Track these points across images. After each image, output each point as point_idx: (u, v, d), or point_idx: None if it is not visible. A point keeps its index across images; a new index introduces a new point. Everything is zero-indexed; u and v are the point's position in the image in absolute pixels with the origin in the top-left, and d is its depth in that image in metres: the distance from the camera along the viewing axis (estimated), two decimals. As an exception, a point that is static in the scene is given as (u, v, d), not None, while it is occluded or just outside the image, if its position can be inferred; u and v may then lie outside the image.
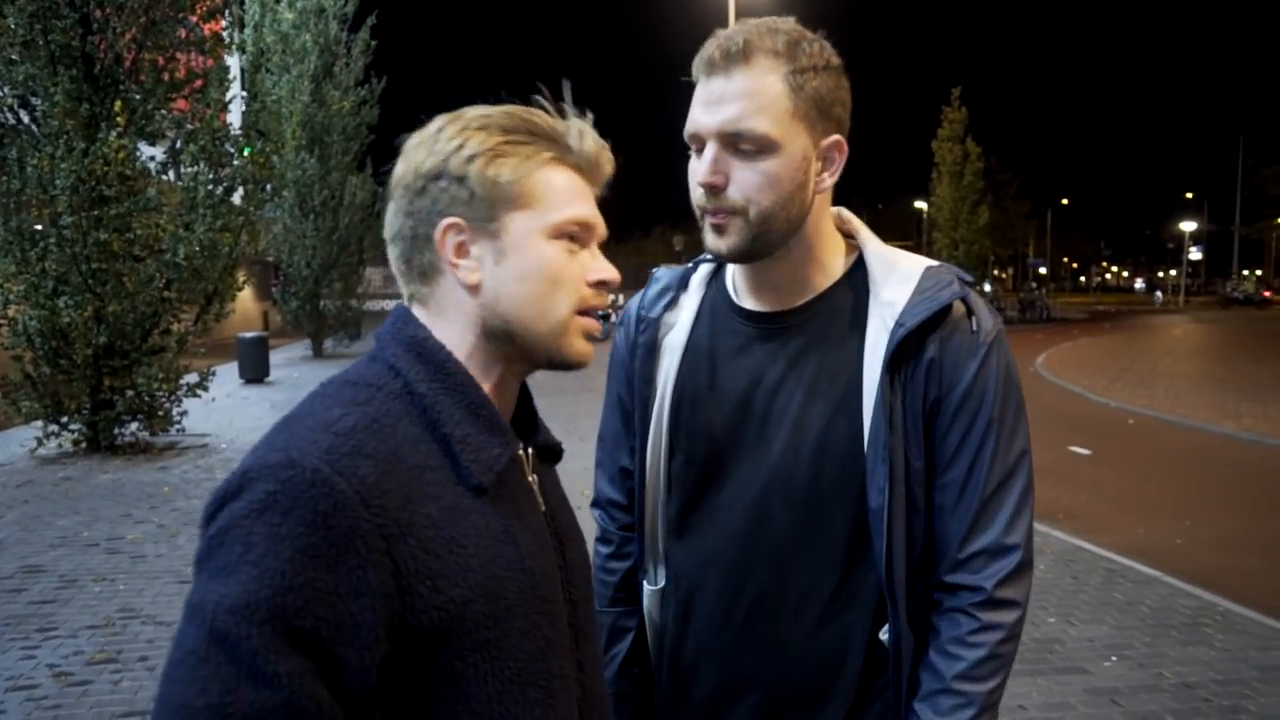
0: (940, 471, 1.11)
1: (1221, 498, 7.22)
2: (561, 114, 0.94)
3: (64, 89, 7.70)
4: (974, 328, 1.11)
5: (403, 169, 0.90)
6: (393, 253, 0.92)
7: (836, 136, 1.10)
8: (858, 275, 1.16)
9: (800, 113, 1.06)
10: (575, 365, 0.92)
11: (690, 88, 1.11)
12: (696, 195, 1.10)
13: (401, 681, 0.79)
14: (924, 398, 1.09)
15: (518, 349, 0.90)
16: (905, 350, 1.09)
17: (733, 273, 1.23)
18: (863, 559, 1.13)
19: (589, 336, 0.93)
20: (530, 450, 0.96)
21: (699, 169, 1.08)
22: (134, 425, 8.79)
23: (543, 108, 0.93)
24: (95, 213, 7.93)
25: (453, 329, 0.90)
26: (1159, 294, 64.01)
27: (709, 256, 1.22)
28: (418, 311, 0.92)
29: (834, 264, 1.18)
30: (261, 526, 0.73)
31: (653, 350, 1.26)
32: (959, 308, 1.11)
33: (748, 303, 1.20)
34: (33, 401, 8.25)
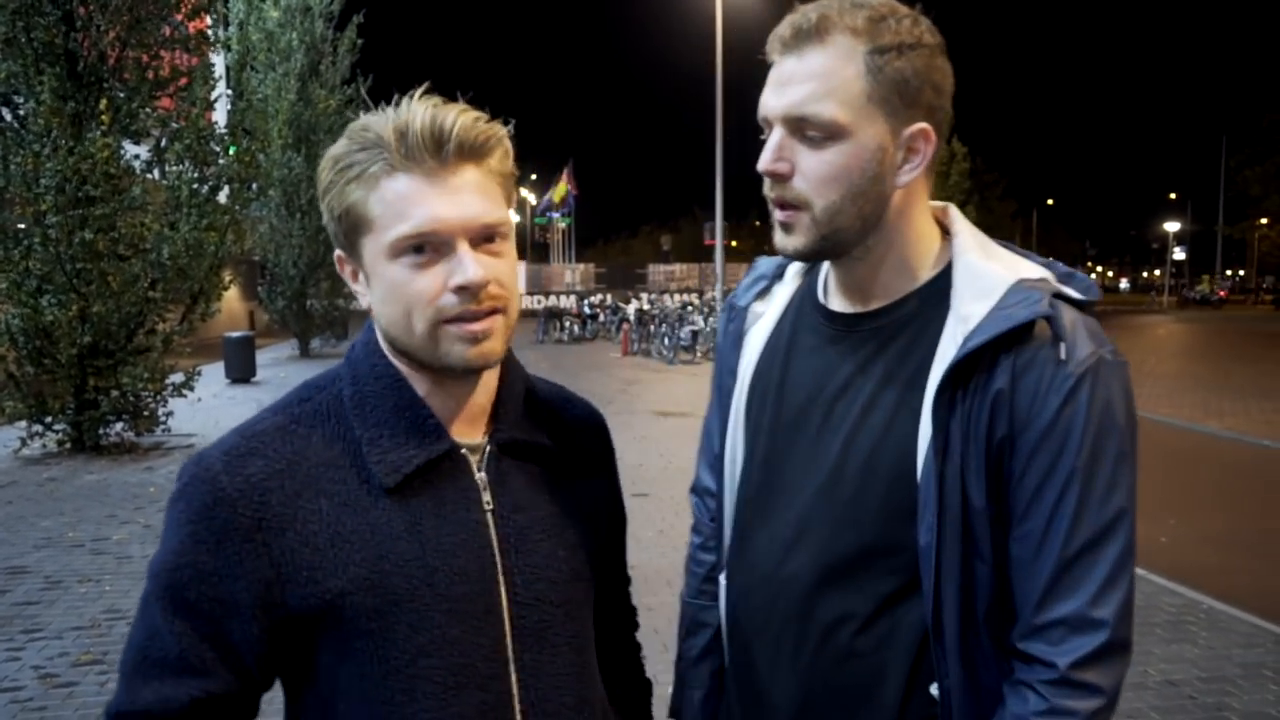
0: (1017, 520, 0.96)
1: (1205, 496, 7.29)
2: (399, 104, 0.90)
3: (50, 87, 7.63)
4: (1061, 355, 0.93)
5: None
6: None
7: (923, 124, 0.98)
8: (943, 282, 1.02)
9: (878, 97, 0.95)
10: (462, 370, 0.92)
11: (763, 67, 1.02)
12: (765, 184, 1.01)
13: (289, 653, 0.92)
14: (989, 431, 0.95)
15: (412, 358, 0.93)
16: (967, 374, 0.95)
17: (825, 268, 1.14)
18: (906, 597, 1.00)
19: (468, 339, 0.89)
20: (490, 447, 0.98)
21: (762, 155, 0.99)
22: (119, 425, 8.73)
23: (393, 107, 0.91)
24: (80, 212, 7.86)
25: (376, 299, 0.94)
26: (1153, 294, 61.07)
27: None
28: None
29: (921, 267, 1.05)
30: (174, 511, 0.90)
31: (738, 340, 1.21)
32: (1042, 329, 0.94)
33: (832, 301, 1.11)
34: (16, 401, 8.18)
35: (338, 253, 0.95)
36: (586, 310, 25.55)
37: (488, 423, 1.00)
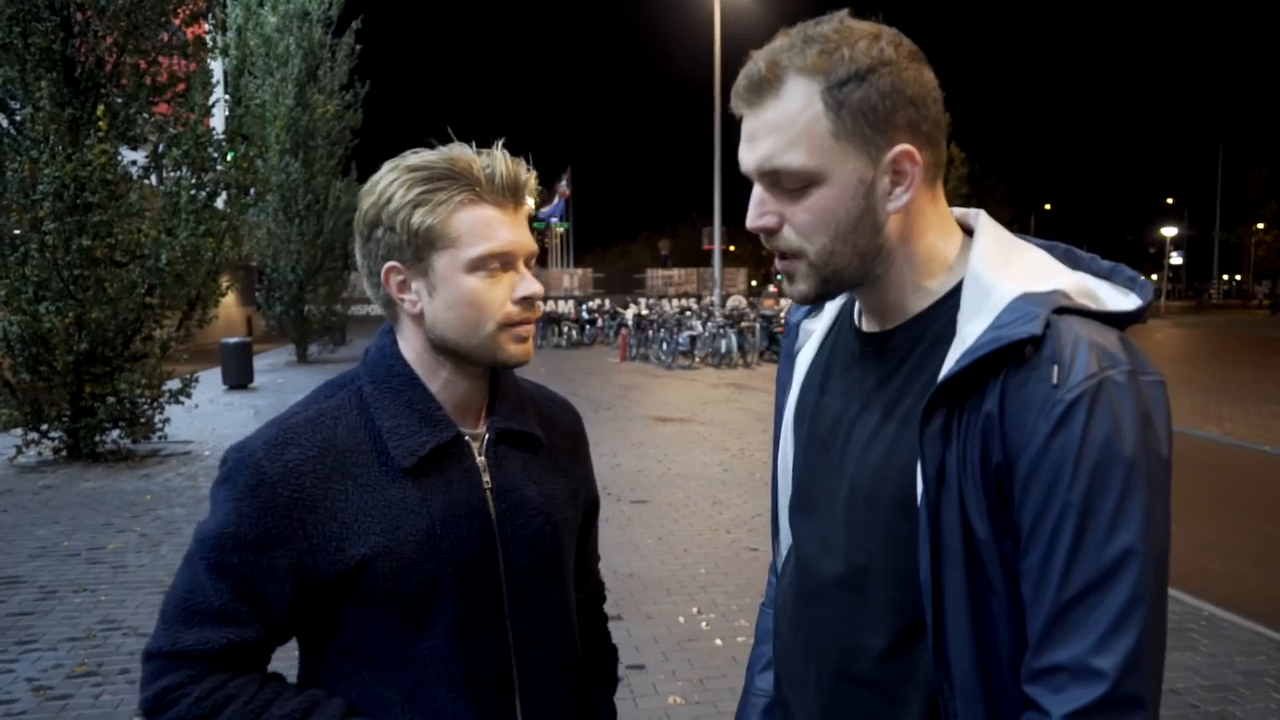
0: (1021, 555, 0.89)
1: (1204, 502, 7.27)
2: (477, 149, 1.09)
3: (47, 93, 7.61)
4: (1054, 379, 0.85)
5: (357, 216, 1.11)
6: (365, 285, 1.15)
7: (904, 145, 0.93)
8: (956, 298, 0.97)
9: (846, 132, 0.91)
10: (513, 364, 1.13)
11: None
12: (761, 236, 1.00)
13: (315, 610, 1.10)
14: (984, 457, 0.88)
15: (461, 356, 1.12)
16: (960, 397, 0.90)
17: None
18: (924, 633, 0.95)
19: (520, 339, 1.12)
20: (489, 435, 1.16)
21: (748, 212, 0.99)
22: (115, 433, 8.69)
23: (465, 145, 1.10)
24: (77, 218, 7.84)
25: (408, 343, 1.15)
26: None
27: None
28: (395, 328, 1.17)
29: (934, 283, 1.00)
30: (221, 491, 1.08)
31: (790, 357, 1.23)
32: (1031, 349, 0.87)
33: (863, 320, 1.09)
34: (12, 409, 8.14)
35: (392, 264, 1.09)
36: (585, 315, 25.52)
37: (485, 415, 1.19)
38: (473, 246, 1.06)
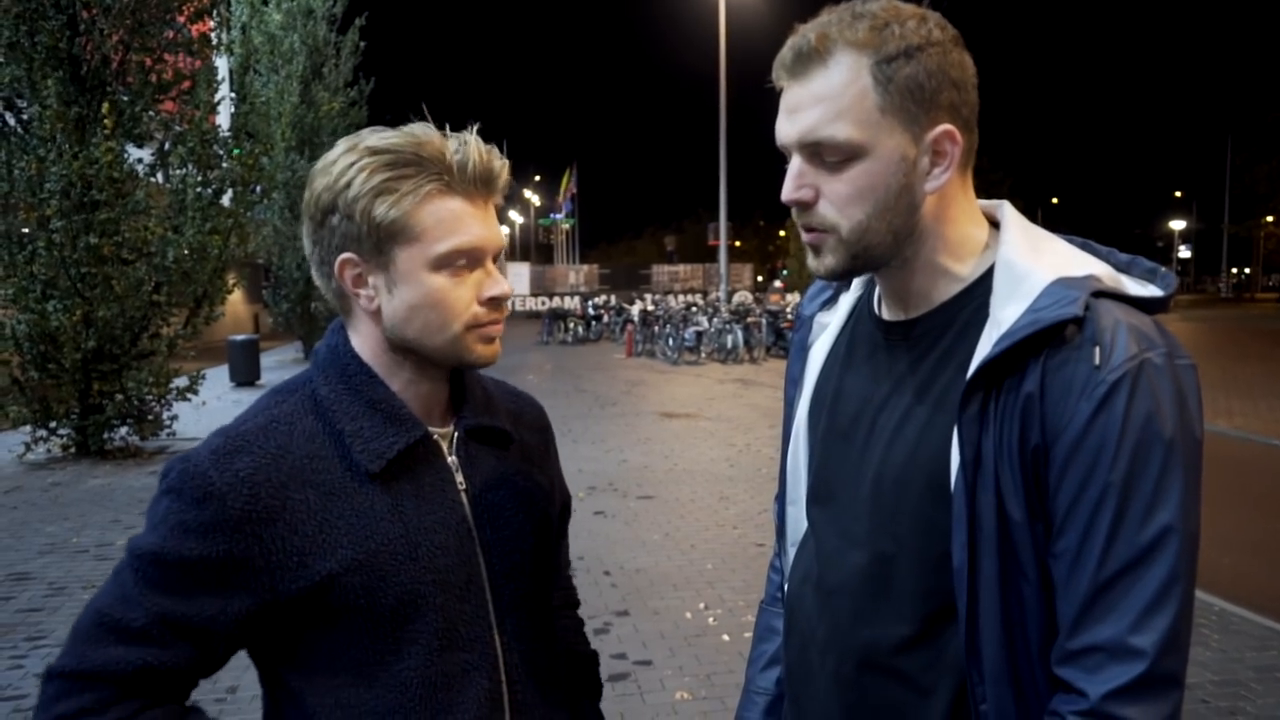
0: (1055, 537, 0.89)
1: (1215, 497, 7.19)
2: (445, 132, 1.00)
3: (54, 92, 7.63)
4: (1095, 360, 0.86)
5: (307, 196, 1.01)
6: (313, 273, 1.06)
7: (946, 126, 0.93)
8: (986, 285, 0.97)
9: (893, 107, 0.91)
10: (480, 366, 1.06)
11: (766, 69, 0.99)
12: (793, 211, 0.99)
13: (275, 633, 0.99)
14: (1022, 440, 0.89)
15: (423, 356, 1.04)
16: (997, 380, 0.90)
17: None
18: (953, 619, 0.94)
19: (487, 340, 1.04)
20: (458, 433, 1.08)
21: (785, 184, 0.97)
22: (123, 430, 8.72)
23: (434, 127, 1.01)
24: (84, 216, 7.87)
25: (363, 340, 1.05)
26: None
27: None
28: (346, 322, 1.07)
29: (963, 270, 1.00)
30: (161, 504, 0.97)
31: (802, 350, 1.20)
32: (1073, 330, 0.88)
33: (884, 309, 1.08)
34: (21, 406, 8.18)
35: (348, 256, 1.00)
36: (591, 311, 25.52)
37: (450, 413, 1.11)
38: (440, 242, 0.97)
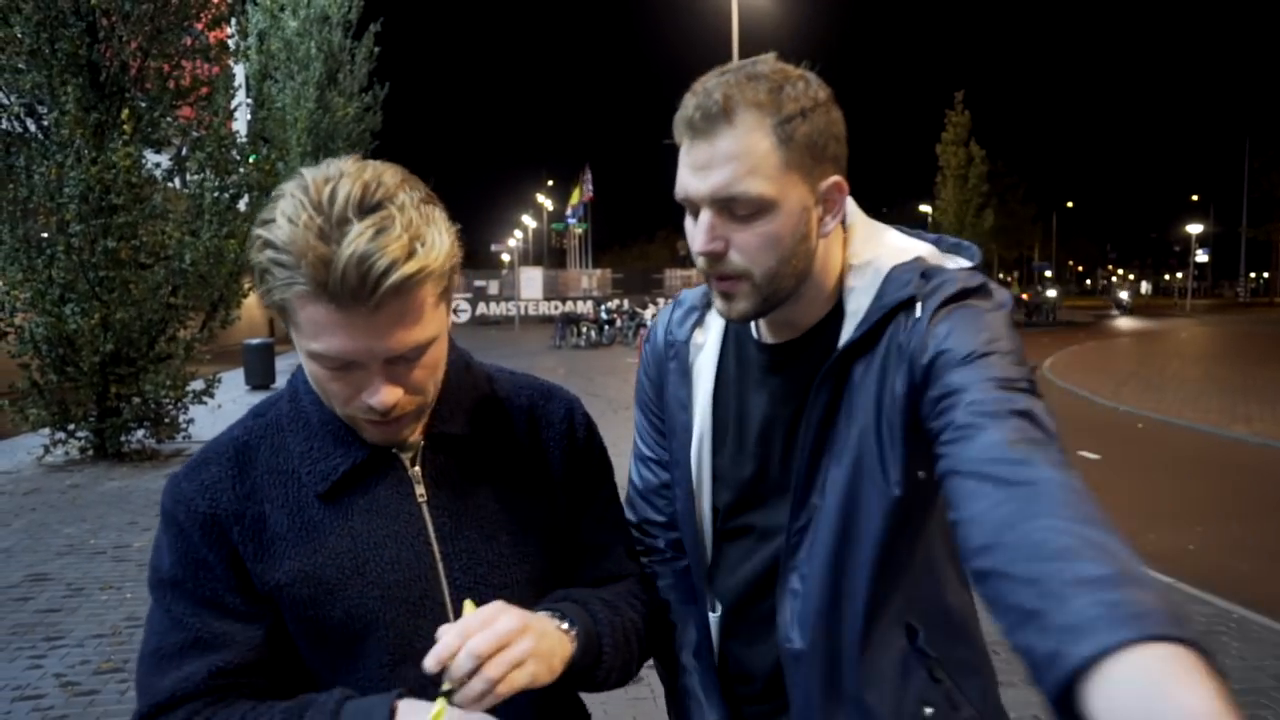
0: (939, 417, 0.98)
1: (1234, 503, 7.16)
2: (363, 208, 0.86)
3: (73, 98, 7.72)
4: (917, 313, 1.00)
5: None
6: None
7: (835, 178, 1.04)
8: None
9: (794, 163, 1.00)
10: (380, 445, 1.02)
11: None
12: (699, 260, 1.05)
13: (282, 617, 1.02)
14: (886, 392, 1.01)
15: None
16: (851, 359, 1.04)
17: None
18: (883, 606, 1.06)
19: (383, 432, 0.99)
20: (424, 443, 1.05)
21: (695, 236, 1.03)
22: (141, 432, 8.79)
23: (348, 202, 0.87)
24: (102, 220, 7.94)
25: None
26: (1124, 296, 49.72)
27: None
28: None
29: (833, 288, 1.10)
30: (160, 522, 1.02)
31: (686, 374, 1.22)
32: (913, 303, 1.01)
33: (763, 333, 1.16)
34: (40, 409, 8.25)
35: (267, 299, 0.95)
36: (603, 315, 25.54)
37: (424, 423, 1.04)
38: (307, 340, 0.91)
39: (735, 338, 1.20)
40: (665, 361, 1.26)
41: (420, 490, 1.03)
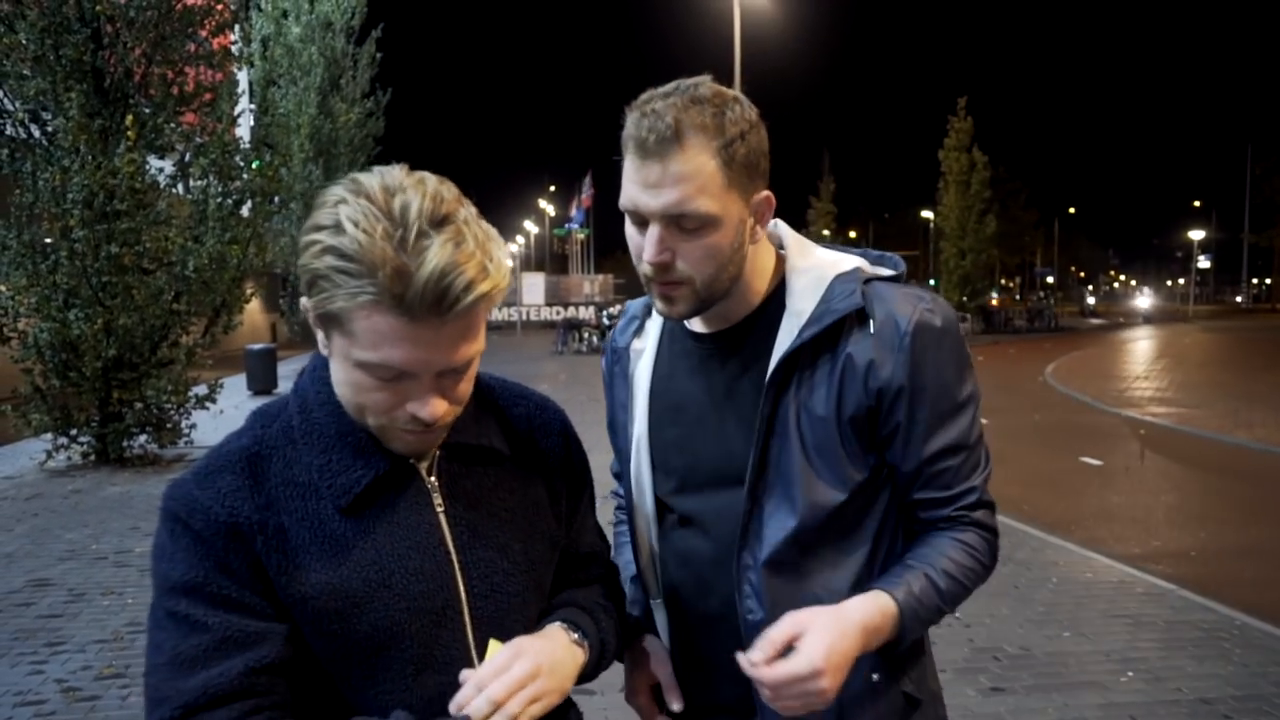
0: (890, 445, 1.20)
1: (1235, 509, 7.15)
2: (433, 221, 0.87)
3: (77, 104, 7.75)
4: (894, 326, 1.15)
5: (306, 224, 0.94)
6: None
7: (765, 192, 1.16)
8: (778, 297, 1.23)
9: (734, 182, 1.11)
10: (405, 455, 1.02)
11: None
12: (642, 266, 1.15)
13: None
14: (839, 399, 1.15)
15: None
16: (796, 360, 1.16)
17: None
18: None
19: (416, 441, 0.99)
20: (439, 453, 1.05)
21: (645, 247, 1.13)
22: (143, 437, 8.80)
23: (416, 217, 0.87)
24: (106, 226, 7.97)
25: (333, 372, 1.00)
26: (1091, 302, 52.64)
27: None
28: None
29: (763, 285, 1.24)
30: (161, 531, 0.97)
31: (626, 378, 1.35)
32: (861, 314, 1.16)
33: (696, 325, 1.27)
34: (42, 414, 8.27)
35: (307, 302, 0.93)
36: (605, 321, 25.54)
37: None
38: (364, 351, 0.90)
39: (670, 335, 1.31)
40: (611, 366, 1.39)
41: (438, 500, 1.03)
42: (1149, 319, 40.81)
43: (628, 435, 1.33)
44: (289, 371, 18.07)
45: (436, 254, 0.86)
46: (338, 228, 0.87)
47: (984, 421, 1.25)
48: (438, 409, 0.94)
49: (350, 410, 0.98)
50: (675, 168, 1.08)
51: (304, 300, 0.94)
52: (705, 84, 1.13)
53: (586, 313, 31.79)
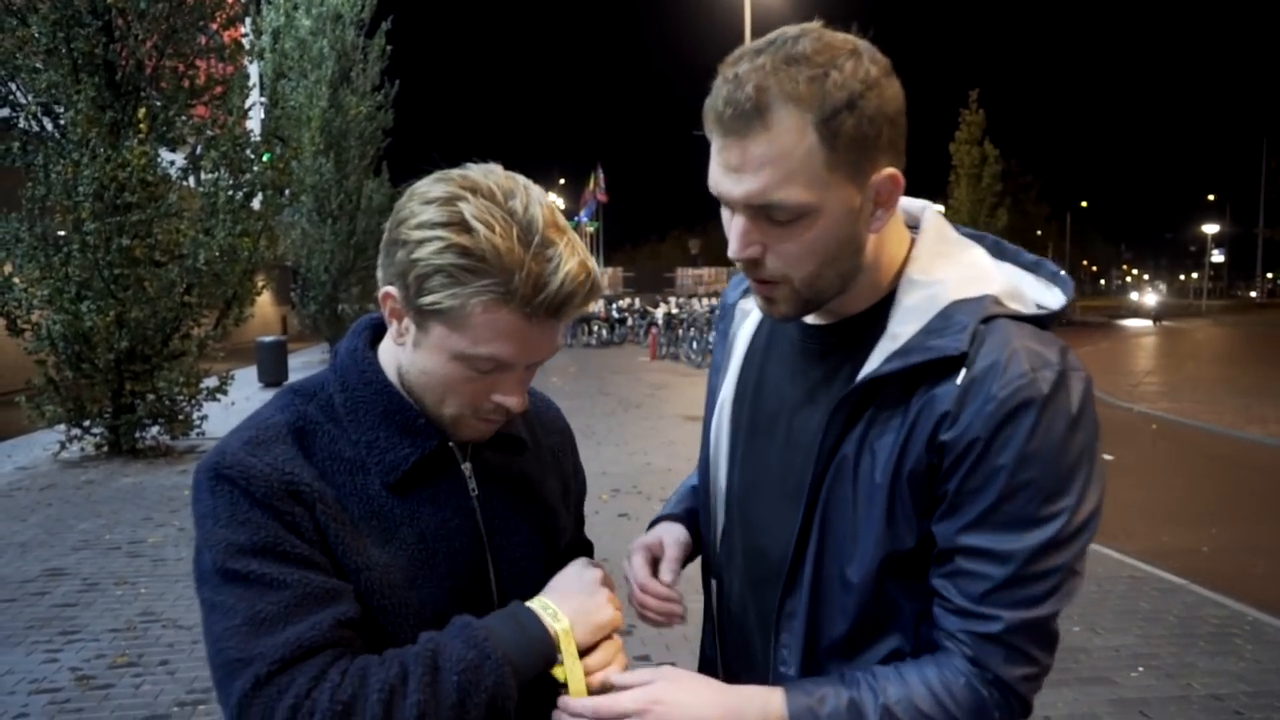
0: (948, 520, 0.97)
1: (1248, 504, 7.11)
2: (552, 226, 0.93)
3: (89, 97, 7.78)
4: (993, 385, 0.91)
5: (395, 213, 0.97)
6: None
7: (889, 170, 0.91)
8: (894, 297, 1.00)
9: (838, 163, 0.88)
10: (461, 440, 1.05)
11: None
12: (739, 263, 0.98)
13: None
14: (904, 447, 0.94)
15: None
16: (877, 390, 0.96)
17: None
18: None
19: (484, 423, 1.02)
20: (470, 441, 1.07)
21: (730, 240, 0.95)
22: (155, 429, 8.86)
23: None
24: (117, 219, 8.00)
25: (392, 354, 1.03)
26: (1151, 300, 49.95)
27: None
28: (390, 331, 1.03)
29: (883, 283, 1.01)
30: (212, 500, 0.94)
31: (727, 337, 1.22)
32: (960, 360, 0.92)
33: None
34: (55, 405, 8.33)
35: (389, 290, 0.96)
36: (615, 314, 25.53)
37: None
38: (476, 345, 0.93)
39: None
40: (718, 323, 1.26)
41: (472, 485, 1.06)
42: (1157, 317, 40.26)
43: (713, 400, 1.20)
44: (299, 364, 18.15)
45: (565, 263, 0.92)
46: (464, 225, 0.90)
47: (1074, 550, 0.93)
48: (523, 403, 1.00)
49: (426, 397, 1.00)
50: (757, 149, 0.87)
51: (390, 289, 0.96)
52: (811, 34, 0.90)
53: (596, 306, 31.77)
